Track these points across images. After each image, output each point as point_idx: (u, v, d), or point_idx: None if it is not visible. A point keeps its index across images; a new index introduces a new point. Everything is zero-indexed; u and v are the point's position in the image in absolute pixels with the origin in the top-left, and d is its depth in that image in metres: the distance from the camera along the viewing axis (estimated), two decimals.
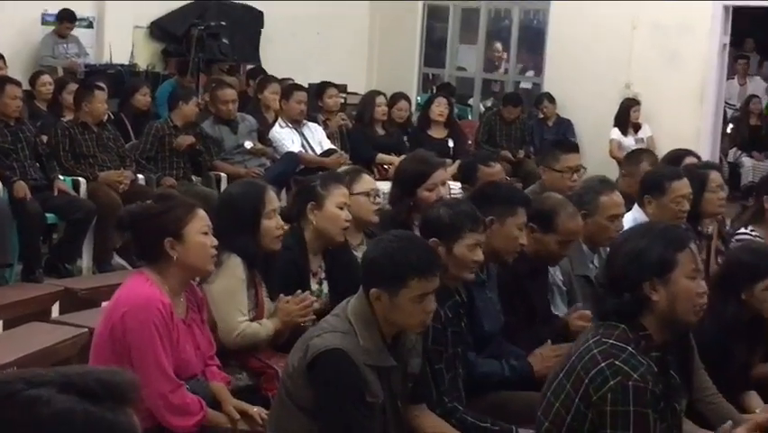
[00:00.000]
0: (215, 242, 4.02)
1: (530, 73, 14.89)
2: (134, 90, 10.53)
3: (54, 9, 12.00)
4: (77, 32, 12.23)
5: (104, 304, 5.27)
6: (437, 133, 10.85)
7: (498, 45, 15.05)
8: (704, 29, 12.52)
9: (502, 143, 12.14)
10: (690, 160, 6.95)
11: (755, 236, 6.00)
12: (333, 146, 10.02)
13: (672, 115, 12.48)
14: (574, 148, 6.79)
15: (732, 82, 15.64)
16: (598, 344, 3.27)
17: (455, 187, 6.54)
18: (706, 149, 12.15)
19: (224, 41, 12.80)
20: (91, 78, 10.55)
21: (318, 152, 9.83)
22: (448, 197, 5.65)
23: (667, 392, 3.34)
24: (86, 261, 8.46)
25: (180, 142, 9.16)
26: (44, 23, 12.13)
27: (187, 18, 13.03)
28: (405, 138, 10.86)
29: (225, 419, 4.05)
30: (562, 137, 11.71)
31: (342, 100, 11.49)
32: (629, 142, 12.34)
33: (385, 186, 6.46)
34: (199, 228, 3.96)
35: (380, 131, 10.65)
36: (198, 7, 13.37)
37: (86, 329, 5.40)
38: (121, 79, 11.51)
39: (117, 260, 8.46)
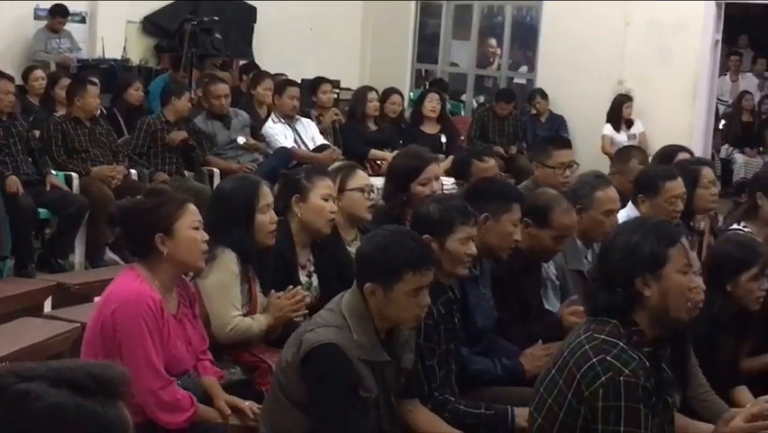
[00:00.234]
0: (206, 237, 4.01)
1: (523, 69, 14.91)
2: (127, 85, 10.51)
3: (47, 4, 11.97)
4: (70, 26, 12.19)
5: (96, 299, 5.27)
6: (430, 128, 10.86)
7: (493, 41, 15.07)
8: (696, 26, 12.54)
9: (495, 139, 12.14)
10: (682, 155, 6.96)
11: (748, 232, 6.01)
12: (325, 141, 10.02)
13: (665, 111, 12.49)
14: (567, 144, 6.80)
15: (724, 78, 15.68)
16: (589, 339, 3.28)
17: (448, 182, 6.54)
18: (698, 145, 12.16)
19: (217, 36, 12.78)
20: (84, 72, 10.54)
21: (311, 147, 9.83)
22: (441, 192, 5.65)
23: (659, 387, 3.35)
24: (78, 256, 8.45)
25: (173, 138, 9.15)
26: (37, 17, 12.09)
27: (180, 13, 13.01)
28: (398, 133, 10.85)
29: (217, 414, 4.04)
30: (555, 133, 11.73)
31: (335, 96, 11.48)
32: (622, 138, 12.35)
33: (378, 181, 6.46)
34: (190, 223, 3.95)
35: (372, 126, 10.64)
36: (191, 2, 13.34)
37: (79, 324, 5.39)
38: (113, 74, 11.48)
39: (110, 255, 8.45)
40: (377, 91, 11.01)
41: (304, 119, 10.08)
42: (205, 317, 4.32)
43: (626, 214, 5.67)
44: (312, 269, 4.98)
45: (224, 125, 9.67)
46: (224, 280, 4.38)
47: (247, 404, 4.10)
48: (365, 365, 3.63)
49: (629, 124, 12.53)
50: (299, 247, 4.92)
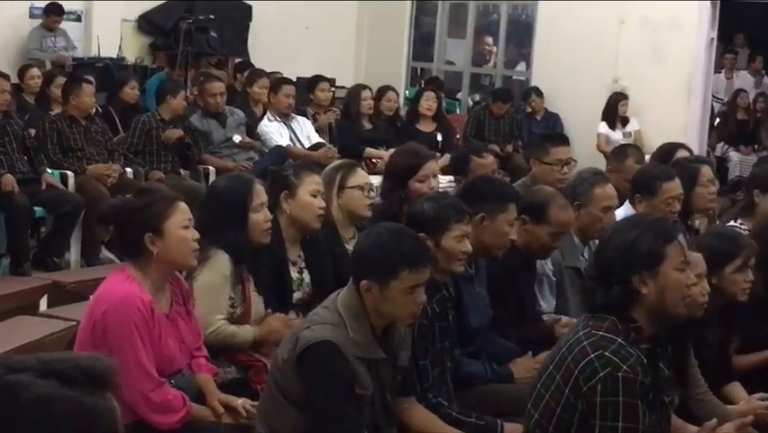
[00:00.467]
0: (197, 235, 3.98)
1: (518, 67, 14.92)
2: (122, 84, 10.51)
3: (42, 3, 11.96)
4: (65, 25, 12.18)
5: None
6: (426, 127, 10.86)
7: (489, 39, 15.07)
8: (691, 24, 12.56)
9: (490, 138, 12.14)
10: (681, 153, 6.97)
11: (744, 230, 6.02)
12: (321, 140, 10.02)
13: (660, 109, 12.51)
14: (564, 141, 6.81)
15: (719, 76, 15.70)
16: (588, 335, 3.29)
17: (444, 180, 6.55)
18: (693, 143, 12.14)
19: (213, 34, 12.78)
20: (79, 71, 10.52)
21: (307, 145, 9.82)
22: (438, 189, 5.67)
23: (656, 385, 3.36)
24: (74, 254, 8.44)
25: (169, 136, 9.15)
26: (32, 16, 12.08)
27: (176, 12, 13.00)
28: (393, 131, 10.84)
29: (210, 413, 4.02)
30: (552, 131, 11.72)
31: (332, 94, 11.48)
32: (617, 136, 12.36)
33: (374, 180, 6.46)
34: (180, 222, 3.92)
35: (367, 125, 10.62)
36: (186, 1, 13.32)
37: (74, 323, 5.37)
38: (109, 73, 11.48)
39: (105, 253, 8.44)
40: (371, 89, 10.99)
41: (299, 117, 10.08)
42: None
43: (622, 213, 5.67)
44: (303, 265, 4.98)
45: (220, 124, 9.66)
46: (212, 282, 4.34)
47: (240, 402, 4.08)
48: (361, 363, 3.63)
49: (624, 122, 12.54)
50: (289, 244, 4.92)
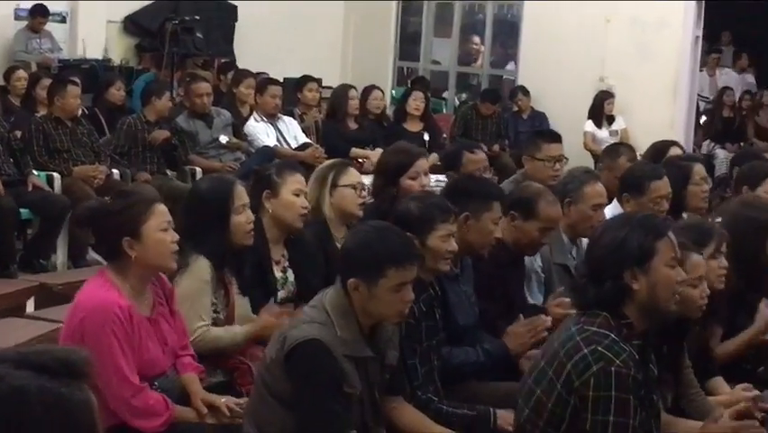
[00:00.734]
0: (176, 237, 3.92)
1: (505, 66, 14.93)
2: (108, 85, 10.50)
3: (27, 4, 11.94)
4: (51, 26, 12.17)
5: None
6: (413, 126, 10.86)
7: (476, 38, 15.08)
8: (677, 22, 12.60)
9: (477, 137, 12.11)
10: (674, 150, 6.99)
11: None
12: (308, 140, 10.01)
13: (646, 107, 12.54)
14: (557, 138, 6.83)
15: (702, 74, 15.75)
16: (580, 331, 3.31)
17: (431, 179, 6.55)
18: (680, 141, 12.08)
19: (199, 35, 12.77)
20: (65, 73, 10.52)
21: (293, 146, 9.81)
22: (429, 187, 5.69)
23: (647, 382, 3.38)
24: (60, 256, 8.43)
25: (156, 136, 9.15)
26: (17, 18, 12.07)
27: (161, 13, 12.99)
28: (379, 131, 10.83)
29: (194, 414, 3.98)
30: (539, 129, 11.73)
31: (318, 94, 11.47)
32: (603, 134, 12.41)
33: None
34: (158, 225, 3.85)
35: (353, 125, 10.62)
36: (172, 2, 13.31)
37: (62, 324, 5.33)
38: (95, 74, 11.47)
39: (92, 255, 8.40)
40: (356, 89, 10.99)
41: (286, 117, 10.07)
42: None
43: (610, 212, 5.68)
44: (286, 264, 4.97)
45: (207, 124, 9.65)
46: (193, 288, 4.30)
47: (223, 400, 4.03)
48: (349, 361, 3.63)
49: (611, 120, 12.57)
50: (272, 243, 4.91)
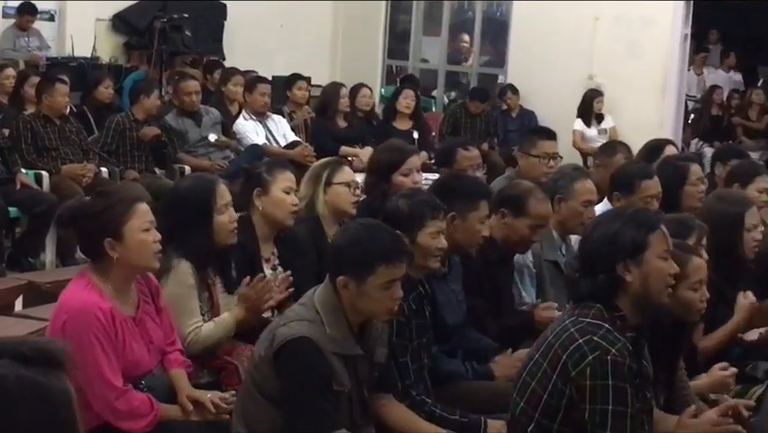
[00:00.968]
0: (158, 236, 3.87)
1: (493, 65, 14.93)
2: (97, 83, 10.46)
3: (15, 2, 11.90)
4: (39, 24, 12.13)
5: None
6: (402, 124, 10.87)
7: (466, 37, 15.09)
8: (665, 20, 12.61)
9: (466, 136, 12.14)
10: (670, 149, 7.01)
11: None
12: (297, 138, 10.01)
13: (635, 105, 12.56)
14: (551, 135, 6.85)
15: (690, 73, 15.79)
16: (574, 323, 3.34)
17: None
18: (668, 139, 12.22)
19: (187, 33, 12.72)
20: (53, 71, 10.48)
21: (283, 144, 9.81)
22: (422, 184, 5.70)
23: (641, 375, 3.40)
24: (49, 254, 8.41)
25: (146, 132, 9.13)
26: (5, 15, 12.03)
27: (150, 11, 12.94)
28: (368, 129, 10.84)
29: (180, 411, 3.96)
30: (526, 129, 11.72)
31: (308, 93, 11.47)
32: (592, 132, 12.42)
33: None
34: (139, 226, 3.80)
35: (342, 123, 10.62)
36: (160, 0, 13.28)
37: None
38: (83, 72, 11.42)
39: (81, 253, 8.39)
40: (346, 87, 10.99)
41: (275, 116, 10.07)
42: None
43: (601, 210, 5.70)
44: (276, 262, 4.97)
45: (195, 123, 9.65)
46: (179, 293, 4.27)
47: (209, 396, 3.99)
48: (338, 359, 3.63)
49: (600, 118, 12.58)
50: (262, 241, 4.91)
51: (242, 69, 11.31)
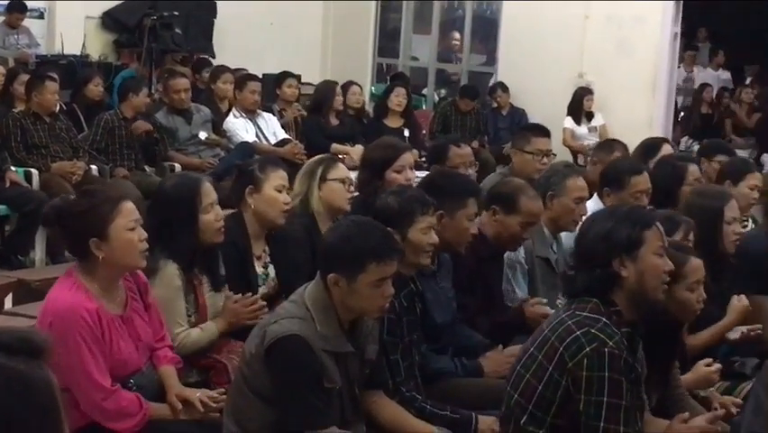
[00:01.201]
0: (144, 235, 3.84)
1: (484, 62, 14.95)
2: (87, 81, 10.44)
3: (4, 0, 11.86)
4: (28, 22, 12.09)
5: None
6: (393, 122, 10.86)
7: (456, 35, 15.10)
8: (655, 19, 12.64)
9: (457, 133, 12.14)
10: (666, 148, 7.03)
11: None
12: (287, 136, 10.00)
13: (625, 103, 12.58)
14: (546, 132, 6.89)
15: (679, 70, 15.82)
16: (571, 316, 3.37)
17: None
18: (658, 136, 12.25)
19: (177, 31, 12.69)
20: (42, 68, 10.45)
21: (273, 141, 9.80)
22: (414, 181, 5.70)
23: (635, 371, 3.41)
24: (39, 252, 8.39)
25: (138, 125, 9.12)
26: None
27: (140, 8, 12.91)
28: (359, 127, 10.84)
29: (169, 410, 3.94)
30: (516, 127, 11.75)
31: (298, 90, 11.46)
32: (582, 130, 12.44)
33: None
34: (125, 225, 3.77)
35: (334, 121, 10.62)
36: None
37: None
38: (73, 70, 11.39)
39: None
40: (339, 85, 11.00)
41: (265, 113, 10.06)
42: None
43: (592, 206, 5.72)
44: (268, 260, 4.97)
45: (186, 121, 9.63)
46: (166, 296, 4.26)
47: (198, 394, 3.98)
48: (329, 356, 3.63)
49: (590, 116, 12.60)
50: (254, 239, 4.90)
51: (232, 66, 11.28)
